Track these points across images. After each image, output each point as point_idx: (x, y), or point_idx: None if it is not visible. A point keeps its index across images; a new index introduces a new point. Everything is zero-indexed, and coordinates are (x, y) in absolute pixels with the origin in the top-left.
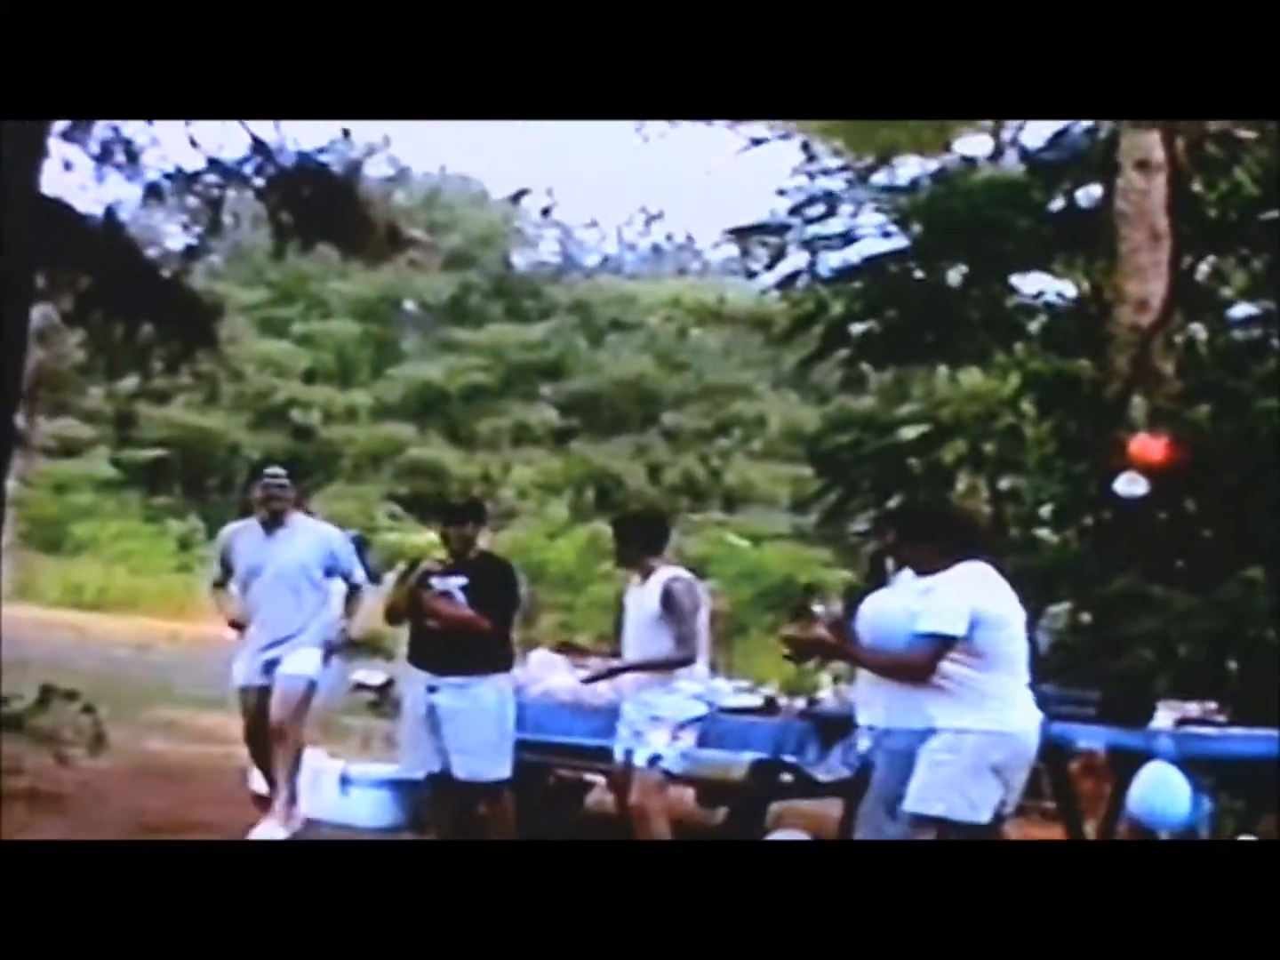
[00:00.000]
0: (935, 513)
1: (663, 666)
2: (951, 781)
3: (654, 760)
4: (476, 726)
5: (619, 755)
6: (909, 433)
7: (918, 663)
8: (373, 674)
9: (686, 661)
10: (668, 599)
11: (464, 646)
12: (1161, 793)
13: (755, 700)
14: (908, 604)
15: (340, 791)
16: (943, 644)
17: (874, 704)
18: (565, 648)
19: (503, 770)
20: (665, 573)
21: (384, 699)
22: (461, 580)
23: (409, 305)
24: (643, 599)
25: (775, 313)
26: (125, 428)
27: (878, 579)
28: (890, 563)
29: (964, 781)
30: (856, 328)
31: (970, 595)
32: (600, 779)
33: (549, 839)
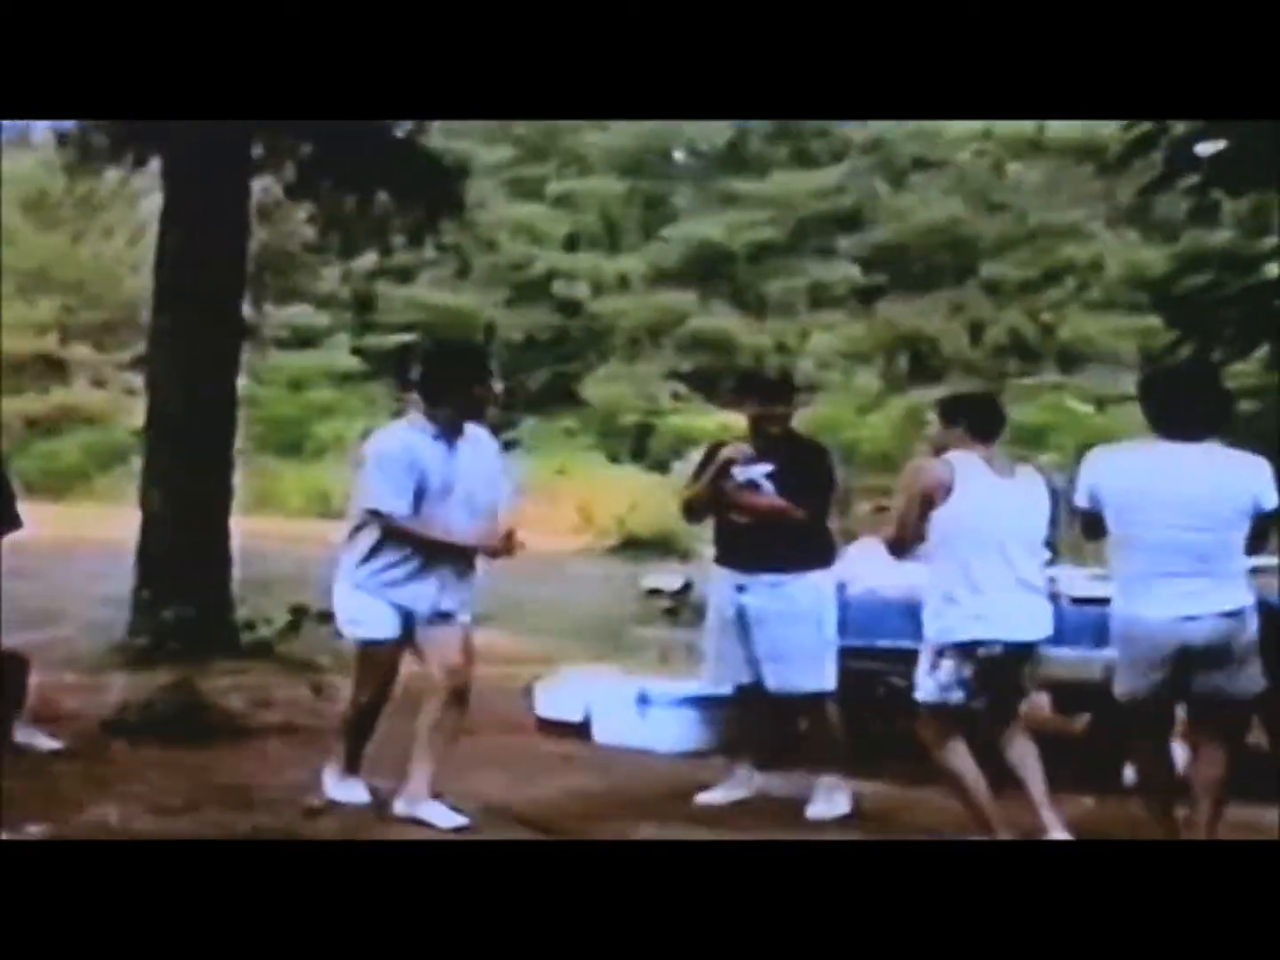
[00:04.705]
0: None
1: None
2: None
3: None
4: (792, 630)
5: None
6: (1276, 268)
7: None
8: (667, 578)
9: None
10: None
11: (776, 540)
12: None
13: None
14: None
15: (638, 712)
16: None
17: None
18: None
19: (824, 680)
20: (1022, 465)
21: (682, 605)
22: (767, 467)
23: (678, 155)
24: (1006, 496)
25: (1106, 137)
26: (365, 312)
27: None
28: None
29: None
30: (1204, 147)
31: None
32: None
33: (874, 762)
